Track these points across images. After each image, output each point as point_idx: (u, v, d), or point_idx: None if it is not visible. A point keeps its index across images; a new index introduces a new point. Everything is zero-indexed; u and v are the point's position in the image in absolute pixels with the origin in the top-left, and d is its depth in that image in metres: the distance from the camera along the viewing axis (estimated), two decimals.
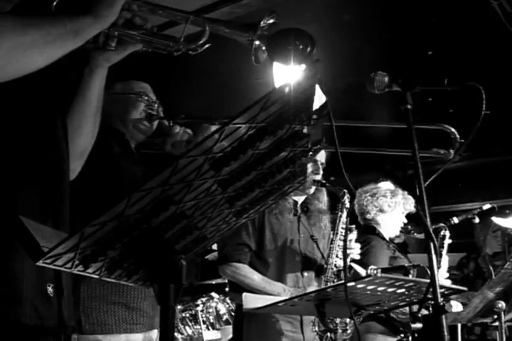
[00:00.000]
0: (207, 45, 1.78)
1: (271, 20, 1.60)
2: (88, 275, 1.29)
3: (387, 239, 4.36)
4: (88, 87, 1.95)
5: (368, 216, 4.38)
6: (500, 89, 4.64)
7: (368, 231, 4.37)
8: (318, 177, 3.53)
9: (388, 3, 3.94)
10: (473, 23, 4.17)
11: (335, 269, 3.36)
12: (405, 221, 4.38)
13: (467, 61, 4.50)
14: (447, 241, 4.31)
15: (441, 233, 4.42)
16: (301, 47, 1.46)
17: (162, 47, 1.85)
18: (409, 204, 4.34)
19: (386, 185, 4.47)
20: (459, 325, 4.90)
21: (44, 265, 1.12)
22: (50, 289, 1.55)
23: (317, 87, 1.17)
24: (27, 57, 1.48)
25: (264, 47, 1.59)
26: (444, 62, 4.42)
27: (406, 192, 4.40)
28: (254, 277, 3.36)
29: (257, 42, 1.60)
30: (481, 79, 2.01)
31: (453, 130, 2.10)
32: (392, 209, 4.33)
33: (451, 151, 2.13)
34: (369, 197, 4.38)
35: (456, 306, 4.19)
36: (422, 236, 4.14)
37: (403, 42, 4.38)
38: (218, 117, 2.44)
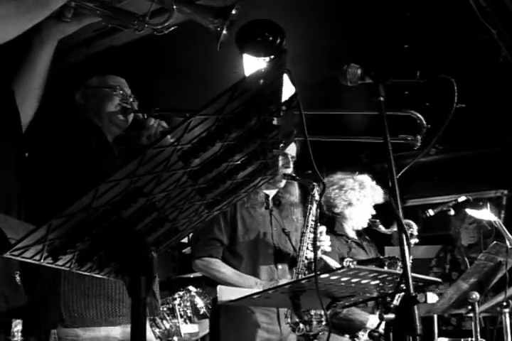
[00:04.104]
0: (173, 28, 1.73)
1: (235, 10, 1.60)
2: (58, 267, 1.28)
3: (353, 231, 4.31)
4: (38, 58, 1.86)
5: (336, 210, 4.24)
6: (475, 83, 4.67)
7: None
8: (289, 170, 3.53)
9: None
10: (448, 17, 4.19)
11: (306, 261, 3.35)
12: (373, 212, 4.30)
13: (442, 55, 4.52)
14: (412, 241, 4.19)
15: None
16: (270, 38, 1.46)
17: (123, 24, 1.78)
18: (377, 195, 4.28)
19: (355, 177, 4.35)
20: (435, 316, 4.96)
21: (11, 257, 1.11)
22: (17, 277, 1.54)
23: (286, 77, 1.17)
24: (1, 28, 1.46)
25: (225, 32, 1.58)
26: (420, 56, 4.44)
27: (374, 183, 4.35)
28: (226, 271, 3.38)
29: (225, 31, 1.59)
30: (456, 72, 2.02)
31: (419, 116, 2.12)
32: (360, 202, 4.21)
33: (419, 137, 2.14)
34: (337, 191, 4.22)
35: (431, 297, 4.23)
36: (388, 230, 4.15)
37: (378, 35, 4.39)
38: (192, 110, 2.43)
